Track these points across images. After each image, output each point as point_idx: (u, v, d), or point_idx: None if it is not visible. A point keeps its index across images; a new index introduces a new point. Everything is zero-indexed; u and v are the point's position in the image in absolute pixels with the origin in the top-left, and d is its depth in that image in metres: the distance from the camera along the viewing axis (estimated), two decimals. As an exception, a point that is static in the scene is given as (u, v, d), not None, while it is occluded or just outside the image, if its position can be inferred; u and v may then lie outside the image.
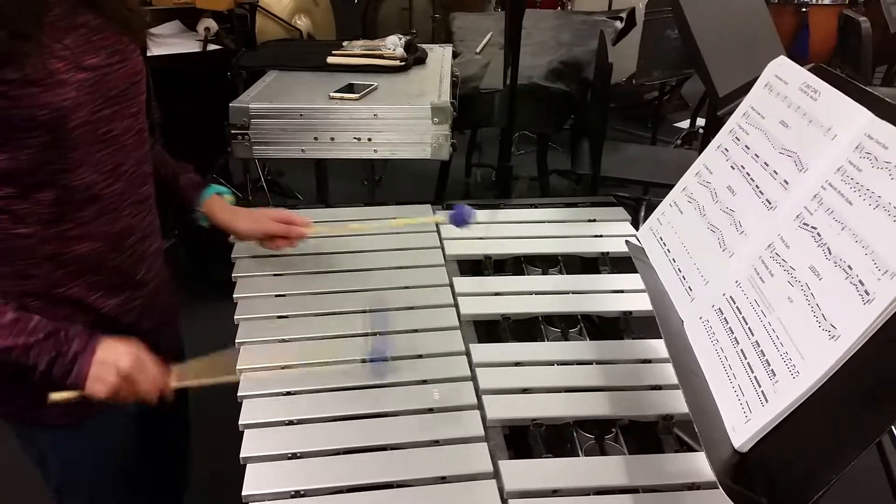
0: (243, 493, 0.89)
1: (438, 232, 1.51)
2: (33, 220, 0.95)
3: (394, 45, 2.08)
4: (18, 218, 0.94)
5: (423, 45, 2.27)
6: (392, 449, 0.97)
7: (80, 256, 1.00)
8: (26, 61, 0.86)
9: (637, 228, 1.55)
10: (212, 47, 2.98)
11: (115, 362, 0.97)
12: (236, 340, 1.17)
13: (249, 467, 0.93)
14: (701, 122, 3.89)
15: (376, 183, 3.23)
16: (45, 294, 0.99)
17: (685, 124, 4.20)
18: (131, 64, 1.02)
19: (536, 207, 1.66)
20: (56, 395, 0.97)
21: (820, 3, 3.76)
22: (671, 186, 1.14)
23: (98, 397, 0.97)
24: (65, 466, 1.12)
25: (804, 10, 3.76)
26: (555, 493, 0.91)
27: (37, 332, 0.93)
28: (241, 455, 0.95)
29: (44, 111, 0.89)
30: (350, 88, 1.83)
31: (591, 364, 1.14)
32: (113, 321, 1.06)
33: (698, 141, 3.79)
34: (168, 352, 1.11)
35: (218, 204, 1.28)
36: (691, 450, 1.01)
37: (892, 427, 0.64)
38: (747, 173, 0.98)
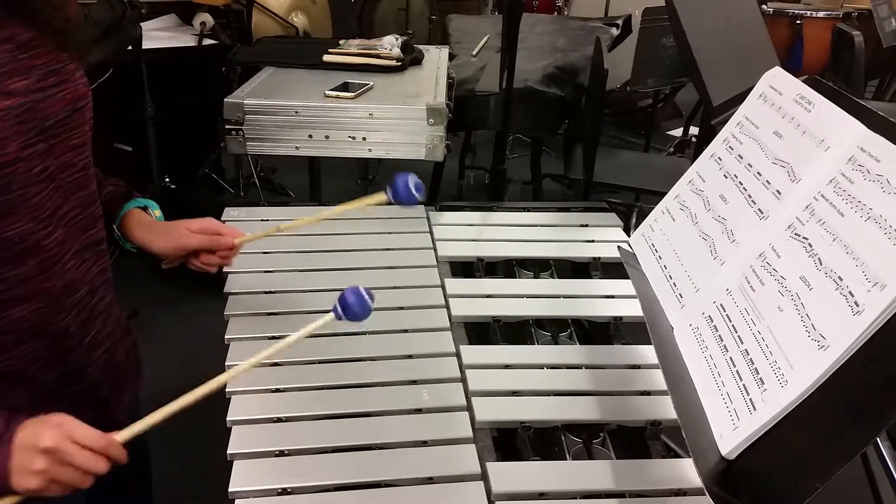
0: (230, 489, 0.89)
1: (431, 233, 1.51)
2: None
3: (390, 45, 2.08)
4: None
5: (420, 46, 2.27)
6: (380, 448, 0.97)
7: (16, 322, 0.84)
8: None
9: (628, 235, 1.56)
10: (207, 42, 2.97)
11: (33, 444, 0.76)
12: (226, 336, 1.16)
13: (236, 464, 0.93)
14: (693, 130, 3.91)
15: (369, 182, 3.23)
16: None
17: (678, 132, 4.23)
18: (71, 87, 0.86)
19: (529, 211, 1.66)
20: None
21: (814, 16, 3.79)
22: (663, 194, 1.15)
23: (34, 494, 0.77)
24: None
25: (798, 22, 3.79)
26: (542, 495, 0.91)
27: None
28: (229, 451, 0.95)
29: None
30: (346, 87, 1.82)
31: (581, 368, 1.14)
32: (56, 393, 0.91)
33: (690, 149, 3.81)
34: (128, 419, 0.88)
35: (135, 219, 1.06)
36: (678, 456, 1.02)
37: (877, 438, 0.65)
38: (740, 182, 0.99)
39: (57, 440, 0.77)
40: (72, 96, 0.86)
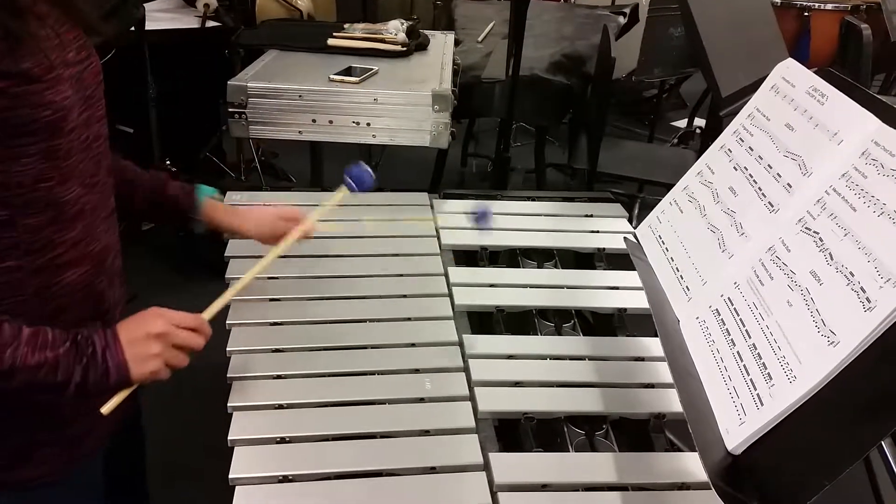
0: (230, 475, 0.89)
1: (435, 221, 1.50)
2: (21, 250, 0.82)
3: (396, 29, 2.06)
4: (5, 249, 0.81)
5: (425, 32, 2.25)
6: (382, 437, 0.96)
7: (69, 286, 0.89)
8: (26, 51, 0.76)
9: (631, 225, 1.55)
10: (210, 24, 2.95)
11: (145, 333, 0.87)
12: (227, 322, 1.15)
13: (237, 450, 0.93)
14: (698, 121, 3.89)
15: (373, 169, 3.21)
16: None
17: (682, 123, 4.20)
18: (95, 61, 0.91)
19: (534, 200, 1.65)
20: (106, 407, 0.86)
21: (822, 8, 3.75)
22: (667, 185, 1.14)
23: (151, 378, 0.87)
24: None
25: (806, 14, 3.75)
26: (544, 487, 0.90)
27: (58, 343, 0.81)
28: (230, 437, 0.94)
29: (47, 111, 0.78)
30: (350, 72, 1.81)
31: (584, 360, 1.13)
32: None
33: (695, 140, 3.79)
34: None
35: (216, 207, 1.17)
36: (681, 451, 1.01)
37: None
38: (750, 175, 0.98)
39: (165, 325, 0.88)
40: (96, 69, 0.91)
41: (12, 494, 0.92)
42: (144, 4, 2.55)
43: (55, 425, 0.92)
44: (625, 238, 1.18)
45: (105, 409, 0.86)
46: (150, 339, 0.87)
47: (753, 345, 0.80)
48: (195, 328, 0.91)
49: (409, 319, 1.19)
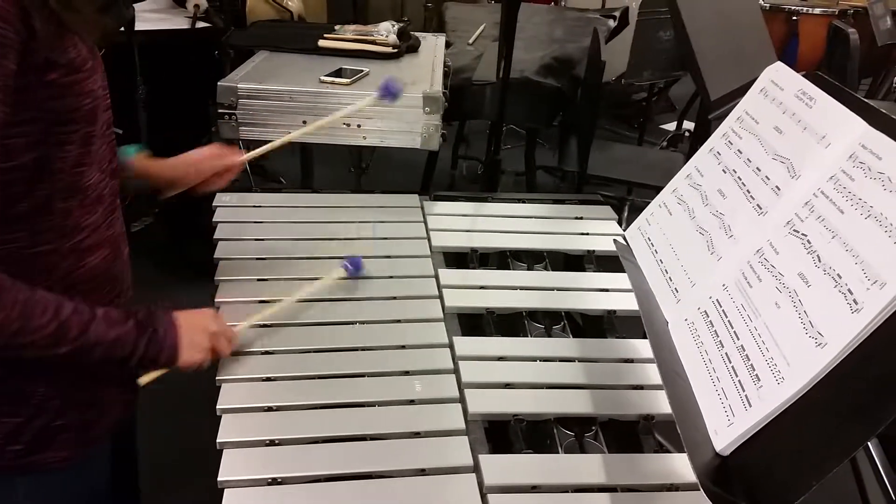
0: (219, 478, 0.88)
1: (425, 222, 1.50)
2: (54, 233, 0.87)
3: (387, 31, 2.06)
4: (38, 233, 0.86)
5: (416, 34, 2.25)
6: (372, 439, 0.96)
7: (92, 269, 0.93)
8: (69, 42, 0.80)
9: (620, 228, 1.56)
10: (200, 25, 2.93)
11: (204, 327, 0.99)
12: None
13: (226, 453, 0.92)
14: (687, 124, 3.91)
15: (363, 171, 3.21)
16: None
17: (671, 126, 4.23)
18: (99, 54, 0.94)
19: (524, 202, 1.66)
20: (144, 379, 0.97)
21: (810, 12, 3.79)
22: (656, 188, 1.15)
23: (192, 367, 0.97)
24: None
25: (795, 18, 3.79)
26: (534, 488, 0.90)
27: (125, 319, 0.89)
28: (218, 440, 0.93)
29: (87, 100, 0.84)
30: (341, 73, 1.80)
31: (574, 361, 1.13)
32: None
33: (684, 143, 3.81)
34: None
35: (146, 163, 1.16)
36: (670, 452, 1.01)
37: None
38: (739, 177, 0.98)
39: (219, 327, 1.01)
40: (101, 62, 0.93)
41: (31, 479, 0.95)
42: (134, 5, 2.53)
43: (74, 410, 0.94)
44: (614, 240, 1.18)
45: (143, 381, 0.96)
46: (205, 333, 0.98)
47: (742, 346, 0.80)
48: (231, 340, 1.04)
49: (399, 321, 1.19)
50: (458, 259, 1.45)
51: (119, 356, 0.89)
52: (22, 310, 0.79)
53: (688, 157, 1.43)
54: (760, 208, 0.90)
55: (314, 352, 1.11)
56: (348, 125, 1.71)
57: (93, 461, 1.01)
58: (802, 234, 0.81)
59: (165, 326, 0.94)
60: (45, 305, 0.81)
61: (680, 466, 0.94)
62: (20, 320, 0.79)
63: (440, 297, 1.26)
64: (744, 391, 0.76)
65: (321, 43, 2.04)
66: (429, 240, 1.44)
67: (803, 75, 0.97)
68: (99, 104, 0.87)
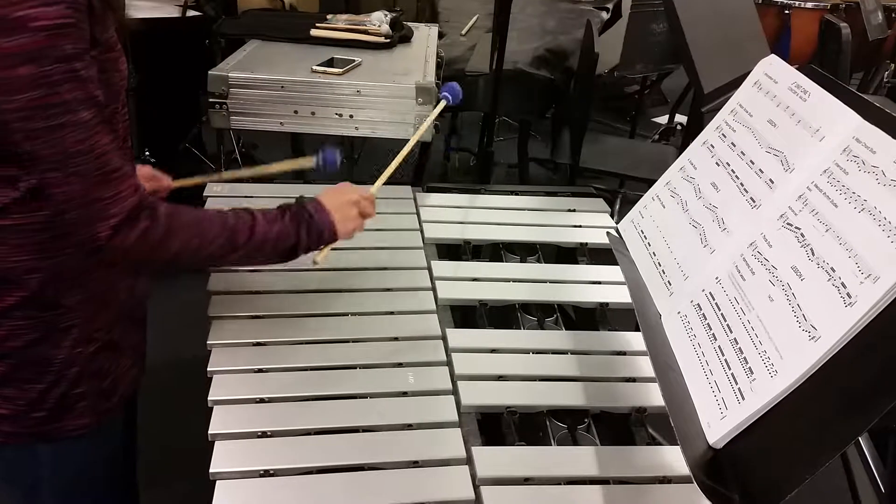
0: (211, 470, 0.88)
1: (418, 214, 1.50)
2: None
3: (379, 21, 2.05)
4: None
5: (409, 24, 2.23)
6: (364, 431, 0.96)
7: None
8: (108, 23, 0.82)
9: (612, 220, 1.56)
10: (191, 13, 2.91)
11: (348, 199, 1.08)
12: (208, 313, 1.14)
13: (218, 444, 0.91)
14: (679, 118, 3.91)
15: (354, 162, 3.19)
16: (108, 327, 0.96)
17: (663, 119, 4.23)
18: None
19: (517, 194, 1.65)
20: (321, 256, 1.06)
21: (802, 6, 3.79)
22: (648, 180, 1.14)
23: (351, 234, 1.08)
24: (65, 483, 1.01)
25: (787, 12, 3.79)
26: (526, 480, 0.90)
27: (281, 215, 0.99)
28: (210, 432, 0.93)
29: (122, 79, 0.87)
30: (333, 63, 1.79)
31: (567, 354, 1.13)
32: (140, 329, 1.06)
33: (676, 137, 3.81)
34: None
35: None
36: (662, 444, 1.02)
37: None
38: (732, 171, 0.98)
39: (357, 195, 1.10)
40: None
41: (52, 446, 0.97)
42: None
43: (91, 378, 0.95)
44: (607, 233, 1.18)
45: (319, 259, 1.05)
46: (350, 204, 1.08)
47: (735, 339, 0.81)
48: (371, 200, 1.12)
49: (391, 313, 1.19)
50: (451, 251, 1.45)
51: (285, 248, 0.99)
52: (196, 229, 0.89)
53: (680, 150, 1.43)
54: (754, 201, 0.90)
55: (306, 343, 1.10)
56: (340, 115, 1.70)
57: (109, 430, 1.03)
58: (796, 228, 0.81)
59: (317, 211, 1.02)
60: (212, 219, 0.92)
61: (672, 459, 0.94)
62: (198, 237, 0.89)
63: (433, 288, 1.26)
64: (737, 384, 0.76)
65: (313, 32, 2.02)
66: (421, 231, 1.44)
67: (797, 68, 0.97)
68: (124, 84, 0.90)
